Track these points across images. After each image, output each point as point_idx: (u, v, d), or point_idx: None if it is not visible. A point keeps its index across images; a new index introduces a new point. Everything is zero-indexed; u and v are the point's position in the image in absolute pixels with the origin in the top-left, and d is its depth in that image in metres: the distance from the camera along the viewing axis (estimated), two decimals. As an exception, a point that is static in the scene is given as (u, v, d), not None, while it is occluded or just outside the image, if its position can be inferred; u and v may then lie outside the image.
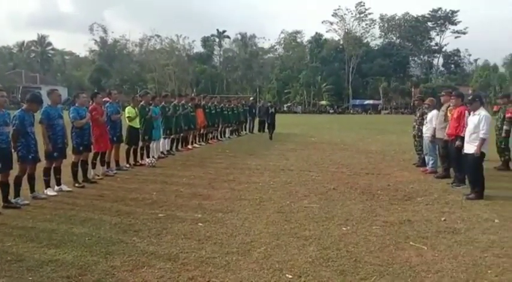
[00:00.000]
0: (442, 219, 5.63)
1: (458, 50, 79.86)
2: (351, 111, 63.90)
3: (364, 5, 74.86)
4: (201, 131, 14.76)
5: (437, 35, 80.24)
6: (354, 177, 8.73)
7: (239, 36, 79.43)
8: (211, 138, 15.75)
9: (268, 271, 3.88)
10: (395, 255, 4.30)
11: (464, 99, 7.79)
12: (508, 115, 9.57)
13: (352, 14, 75.50)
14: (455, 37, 77.99)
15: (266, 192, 7.22)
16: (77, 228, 5.06)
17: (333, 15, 76.48)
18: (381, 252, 4.38)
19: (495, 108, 19.12)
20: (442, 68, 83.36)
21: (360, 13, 75.83)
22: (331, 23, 77.03)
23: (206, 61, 77.50)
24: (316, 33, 78.10)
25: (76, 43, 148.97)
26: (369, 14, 75.76)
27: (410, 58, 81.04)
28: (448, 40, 79.26)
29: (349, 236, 4.89)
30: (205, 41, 79.73)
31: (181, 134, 12.72)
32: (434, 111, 9.13)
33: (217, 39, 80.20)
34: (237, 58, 79.04)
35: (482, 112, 6.73)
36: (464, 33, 77.19)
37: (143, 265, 3.97)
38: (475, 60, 79.14)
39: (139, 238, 4.72)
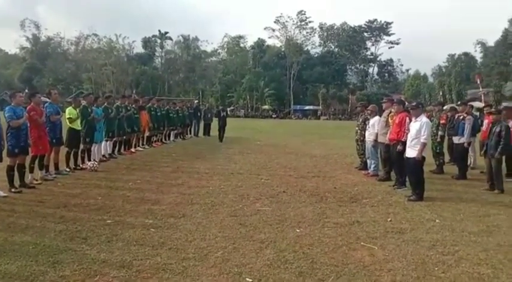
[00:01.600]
0: (388, 219, 5.89)
1: (391, 60, 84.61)
2: (292, 116, 65.23)
3: (305, 14, 76.93)
4: (145, 134, 14.36)
5: (373, 45, 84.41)
6: (301, 180, 8.91)
7: (181, 39, 78.44)
8: (155, 141, 15.35)
9: (228, 275, 3.85)
10: (349, 256, 4.44)
11: (405, 106, 8.24)
12: (442, 121, 10.27)
13: (293, 21, 77.31)
14: (389, 47, 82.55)
15: (217, 196, 7.16)
16: (18, 236, 4.70)
17: (275, 22, 77.87)
18: (335, 253, 4.50)
19: (425, 115, 20.42)
20: (376, 77, 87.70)
21: (301, 21, 77.76)
22: (273, 30, 78.39)
23: (147, 62, 75.55)
24: (259, 38, 79.14)
25: (4, 39, 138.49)
26: (309, 22, 77.99)
27: (348, 66, 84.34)
28: (382, 50, 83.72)
29: (304, 238, 4.97)
30: (146, 42, 77.82)
31: (124, 137, 12.28)
32: (376, 117, 9.57)
33: (158, 41, 78.48)
34: (179, 60, 77.92)
35: (423, 118, 7.16)
36: (397, 44, 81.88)
37: (95, 274, 3.77)
38: (407, 70, 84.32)
39: (88, 245, 4.48)
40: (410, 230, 5.40)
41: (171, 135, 17.20)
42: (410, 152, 7.22)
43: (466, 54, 71.35)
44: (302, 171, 10.02)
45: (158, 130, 15.42)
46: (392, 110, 8.75)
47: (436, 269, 4.10)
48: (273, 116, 64.83)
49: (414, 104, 7.65)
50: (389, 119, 8.75)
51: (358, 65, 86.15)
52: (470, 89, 54.41)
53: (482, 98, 38.46)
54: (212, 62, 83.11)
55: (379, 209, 6.56)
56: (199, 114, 20.76)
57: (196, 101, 25.32)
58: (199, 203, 6.57)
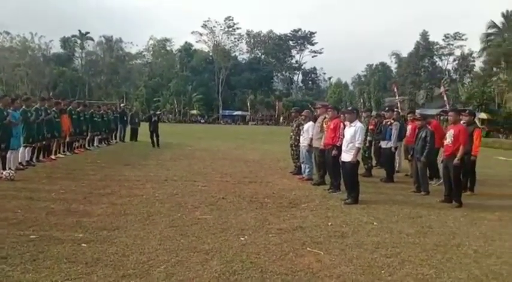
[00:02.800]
0: (329, 224, 5.94)
1: (315, 68, 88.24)
2: (221, 121, 65.10)
3: (232, 20, 77.32)
4: (66, 139, 13.31)
5: (297, 53, 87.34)
6: (239, 186, 8.76)
7: (104, 39, 74.87)
8: (77, 147, 14.30)
9: (174, 292, 3.56)
10: (296, 262, 4.35)
11: (339, 112, 8.45)
12: (370, 127, 10.73)
13: (221, 27, 77.37)
14: (313, 56, 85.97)
15: (152, 205, 6.74)
16: None
17: (202, 27, 77.34)
18: (283, 261, 4.39)
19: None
20: (301, 84, 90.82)
21: (229, 27, 78.04)
22: (201, 34, 77.79)
23: (66, 63, 71.06)
24: (186, 42, 78.17)
25: None
26: (237, 28, 78.58)
27: (274, 73, 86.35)
28: (306, 59, 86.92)
29: (249, 246, 4.80)
30: (65, 42, 73.21)
31: (44, 143, 11.27)
32: (310, 123, 9.73)
33: (79, 41, 74.19)
34: (102, 62, 74.28)
35: (357, 124, 7.38)
36: (320, 53, 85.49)
37: (20, 300, 3.28)
38: (329, 78, 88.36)
39: (10, 266, 3.91)
40: (352, 233, 5.47)
41: (95, 140, 16.16)
42: (346, 156, 7.39)
43: (382, 64, 76.36)
44: (238, 177, 9.88)
45: (81, 135, 14.40)
46: (327, 116, 8.95)
47: (383, 272, 4.15)
48: (202, 121, 64.22)
49: (349, 109, 7.86)
50: (324, 124, 8.93)
51: (284, 72, 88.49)
52: (388, 96, 58.30)
53: (399, 105, 41.24)
54: (137, 65, 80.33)
55: (319, 213, 6.61)
56: (125, 118, 19.81)
57: (122, 105, 24.08)
58: (134, 214, 6.13)
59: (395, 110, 11.58)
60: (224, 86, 73.82)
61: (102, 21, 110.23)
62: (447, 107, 34.65)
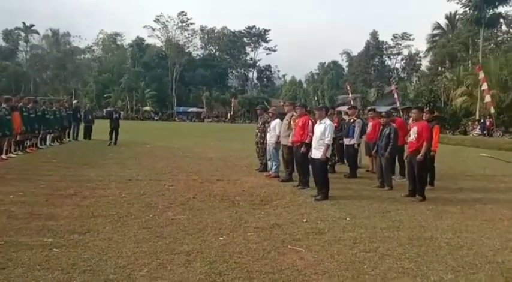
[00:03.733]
0: (304, 220, 5.98)
1: (269, 66, 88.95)
2: (176, 118, 63.97)
3: (186, 15, 76.06)
4: (17, 138, 12.53)
5: (252, 50, 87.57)
6: (207, 184, 8.62)
7: (50, 33, 71.37)
8: (29, 146, 13.52)
9: (162, 297, 3.43)
10: (280, 260, 4.34)
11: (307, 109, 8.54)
12: (334, 124, 10.91)
13: (174, 22, 75.90)
14: (267, 54, 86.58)
15: (121, 206, 6.48)
16: None
17: (155, 21, 75.53)
18: (266, 259, 4.36)
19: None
20: (256, 81, 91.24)
21: (182, 22, 76.70)
22: (154, 29, 75.96)
23: (8, 57, 67.08)
24: (138, 37, 76.11)
25: None
26: (191, 24, 77.41)
27: (229, 70, 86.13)
28: (261, 56, 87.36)
29: (230, 246, 4.73)
30: (8, 35, 69.06)
31: (-6, 142, 10.55)
32: (277, 120, 9.77)
33: (23, 34, 70.22)
34: (48, 56, 70.74)
35: (327, 121, 7.47)
36: (274, 50, 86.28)
37: (-5, 314, 3.02)
38: (283, 76, 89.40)
39: (-24, 277, 3.61)
40: (328, 229, 5.54)
41: (48, 139, 15.35)
42: (316, 153, 7.48)
43: (334, 62, 78.39)
44: (205, 175, 9.74)
45: (32, 133, 13.61)
46: (294, 113, 9.02)
47: (365, 267, 4.23)
48: (155, 118, 62.82)
49: (319, 106, 7.95)
50: (292, 121, 8.99)
51: (238, 69, 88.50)
52: (340, 94, 59.89)
53: (352, 103, 42.49)
54: (86, 60, 77.35)
55: (292, 209, 6.64)
56: (79, 115, 18.94)
57: (75, 101, 23.03)
58: (103, 215, 5.87)
59: (354, 107, 11.87)
60: (178, 82, 72.58)
61: (48, 14, 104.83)
62: (398, 104, 36.18)
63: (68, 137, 17.99)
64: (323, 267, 4.20)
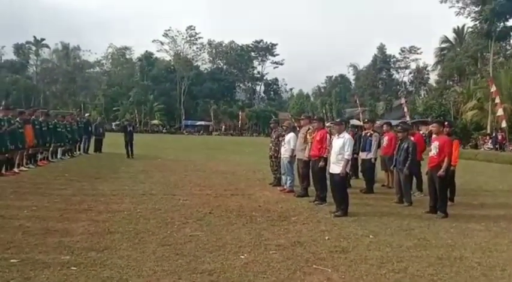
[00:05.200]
0: (326, 238, 5.79)
1: (276, 79, 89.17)
2: (184, 131, 64.09)
3: (194, 29, 76.79)
4: (29, 151, 12.51)
5: (259, 64, 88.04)
6: (222, 199, 8.47)
7: (60, 47, 72.27)
8: (40, 160, 13.49)
9: (189, 320, 3.26)
10: (306, 281, 4.16)
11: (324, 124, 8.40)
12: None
13: (183, 36, 76.62)
14: (274, 67, 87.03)
15: (137, 222, 6.34)
16: None
17: (163, 36, 76.30)
18: (293, 280, 4.19)
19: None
20: (263, 94, 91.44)
21: (191, 36, 77.42)
22: (162, 43, 76.71)
23: (19, 71, 67.91)
24: (147, 51, 76.85)
25: None
26: (199, 38, 78.08)
27: (236, 83, 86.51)
28: (268, 69, 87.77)
29: (253, 265, 4.56)
30: (19, 49, 70.02)
31: (7, 155, 10.51)
32: (292, 134, 9.64)
33: (33, 48, 71.17)
34: (58, 70, 71.54)
35: (346, 135, 7.32)
36: (281, 64, 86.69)
37: None
38: (291, 89, 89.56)
39: (-5, 298, 3.48)
40: (352, 248, 5.34)
41: (59, 152, 15.32)
42: (335, 168, 7.31)
43: (341, 76, 78.47)
44: (219, 189, 9.59)
45: (44, 147, 13.60)
46: (311, 127, 8.89)
47: (397, 288, 4.04)
48: (163, 131, 62.99)
49: (338, 120, 7.81)
50: (308, 135, 8.85)
51: (246, 83, 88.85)
52: (348, 107, 59.75)
53: (361, 116, 42.31)
54: (95, 73, 78.10)
55: (311, 226, 6.46)
56: (90, 128, 18.95)
57: (87, 115, 23.12)
58: (120, 232, 5.73)
59: (372, 121, 11.71)
60: (186, 95, 72.98)
61: (59, 28, 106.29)
62: (407, 117, 35.90)
63: (79, 151, 17.97)
64: (350, 289, 4.01)
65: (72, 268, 4.25)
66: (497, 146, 29.02)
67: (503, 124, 27.71)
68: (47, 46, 71.63)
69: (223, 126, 67.78)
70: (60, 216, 6.47)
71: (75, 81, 71.70)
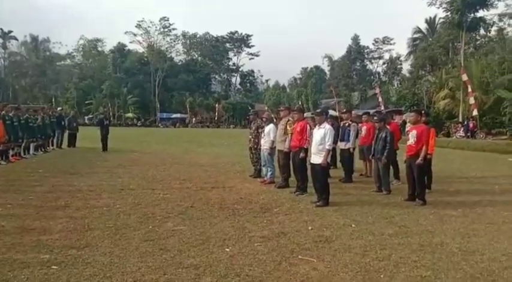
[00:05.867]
0: (309, 228, 5.82)
1: (252, 71, 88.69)
2: (160, 124, 63.20)
3: (168, 20, 75.52)
4: (1, 147, 12.08)
5: (235, 55, 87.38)
6: (202, 192, 8.40)
7: (29, 39, 69.89)
8: (12, 156, 13.05)
9: (177, 316, 3.21)
10: (293, 272, 4.17)
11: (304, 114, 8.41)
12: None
13: (156, 27, 75.25)
14: (250, 59, 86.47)
15: (117, 217, 6.21)
16: None
17: (136, 27, 74.73)
18: (279, 271, 4.18)
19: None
20: (239, 86, 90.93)
21: (164, 28, 76.10)
22: (135, 35, 75.16)
23: (-15, 64, 65.46)
24: (119, 43, 75.23)
25: None
26: (173, 29, 76.86)
27: (212, 75, 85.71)
28: (244, 61, 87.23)
29: (239, 258, 4.53)
30: (-16, 41, 67.42)
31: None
32: (271, 125, 9.62)
33: (0, 40, 68.53)
34: (27, 63, 69.23)
35: (327, 126, 7.35)
36: (257, 55, 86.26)
37: None
38: (267, 81, 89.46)
39: (-27, 302, 3.33)
40: (335, 237, 5.38)
41: (31, 148, 14.85)
42: (316, 159, 7.34)
43: (317, 67, 78.85)
44: (199, 183, 9.50)
45: (16, 142, 13.15)
46: (290, 118, 8.88)
47: (382, 276, 4.09)
48: (138, 124, 61.93)
49: (319, 111, 7.83)
50: (288, 126, 8.85)
51: (221, 74, 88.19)
52: (324, 98, 60.22)
53: (337, 106, 42.72)
54: (66, 66, 75.89)
55: (294, 217, 6.48)
56: (63, 123, 18.42)
57: (59, 108, 22.44)
58: (100, 228, 5.59)
59: (350, 111, 11.81)
60: (161, 88, 71.87)
61: (28, 20, 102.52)
62: (382, 107, 36.44)
63: (52, 146, 17.47)
64: (339, 278, 4.04)
65: (53, 267, 4.13)
66: (468, 134, 29.85)
67: (475, 112, 28.50)
68: (15, 38, 69.18)
69: (200, 119, 67.21)
70: (37, 214, 6.28)
71: (45, 75, 69.61)
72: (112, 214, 6.40)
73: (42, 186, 8.64)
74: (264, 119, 9.99)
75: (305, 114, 12.66)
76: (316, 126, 7.51)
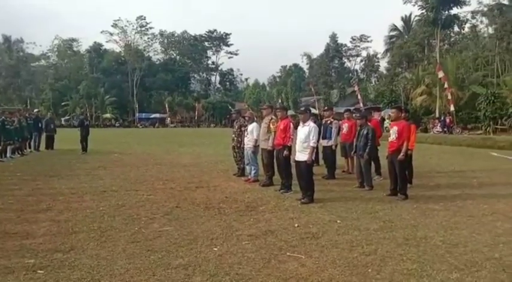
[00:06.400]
0: (295, 225, 5.86)
1: (232, 69, 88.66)
2: (138, 124, 62.43)
3: (145, 19, 74.68)
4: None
5: (214, 54, 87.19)
6: (187, 192, 8.35)
7: (1, 39, 68.06)
8: (-12, 159, 12.71)
9: (169, 317, 3.19)
10: (282, 269, 4.19)
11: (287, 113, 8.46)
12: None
13: (133, 26, 74.33)
14: (229, 57, 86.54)
15: (102, 219, 6.12)
16: None
17: (112, 26, 73.68)
18: (268, 269, 4.20)
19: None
20: (218, 85, 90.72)
21: (141, 27, 75.24)
22: (111, 34, 74.15)
23: (-45, 66, 63.34)
24: (95, 42, 74.06)
25: None
26: (150, 28, 76.07)
27: (191, 74, 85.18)
28: (223, 60, 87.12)
29: (227, 257, 4.53)
30: (-46, 42, 65.21)
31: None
32: (254, 124, 9.65)
33: (-29, 41, 66.61)
34: (0, 64, 67.30)
35: (311, 123, 7.40)
36: (236, 54, 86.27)
37: None
38: (246, 79, 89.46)
39: (-43, 310, 3.24)
40: (322, 233, 5.44)
41: (8, 150, 14.47)
42: (300, 156, 7.39)
43: (295, 65, 79.33)
44: (182, 183, 9.45)
45: (-8, 145, 12.81)
46: (273, 117, 8.92)
47: (370, 270, 4.15)
48: (116, 124, 61.08)
49: (303, 109, 7.88)
50: (271, 125, 8.88)
51: (200, 73, 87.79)
52: (303, 96, 60.58)
53: (316, 104, 43.08)
54: (41, 67, 74.19)
55: (280, 214, 6.51)
56: (40, 125, 18.02)
57: (36, 110, 21.97)
58: (84, 231, 5.50)
59: (331, 108, 11.92)
60: (139, 87, 71.04)
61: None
62: (360, 104, 36.94)
63: (29, 148, 17.10)
64: (328, 273, 4.08)
65: (39, 271, 4.05)
66: (445, 129, 30.55)
67: (451, 108, 29.17)
68: (-14, 39, 67.27)
69: (179, 118, 66.71)
70: (18, 218, 6.14)
71: (19, 76, 67.88)
72: (96, 216, 6.31)
73: (22, 190, 8.45)
74: (246, 118, 9.99)
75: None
76: (300, 124, 7.55)
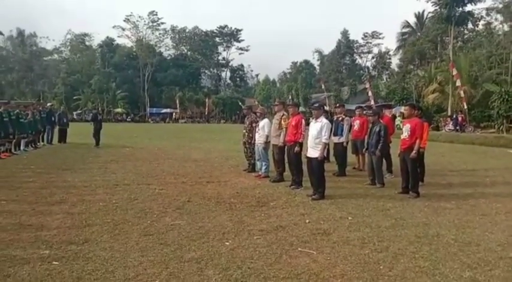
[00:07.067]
0: (307, 221, 5.87)
1: (242, 65, 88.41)
2: (150, 119, 62.80)
3: (156, 14, 74.92)
4: (-10, 144, 11.94)
5: (224, 50, 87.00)
6: (198, 187, 8.41)
7: (15, 33, 68.74)
8: (3, 152, 12.89)
9: (182, 309, 3.23)
10: (294, 264, 4.21)
11: (299, 109, 8.44)
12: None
13: (145, 22, 74.63)
14: (240, 53, 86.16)
15: (114, 213, 6.20)
16: None
17: (125, 21, 74.08)
18: (280, 264, 4.23)
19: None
20: (229, 81, 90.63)
21: (153, 22, 75.52)
22: (123, 29, 74.54)
23: (-29, 59, 64.22)
24: (108, 37, 74.45)
25: None
26: (162, 23, 76.29)
27: (202, 70, 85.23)
28: (233, 55, 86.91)
29: (239, 251, 4.57)
30: (-31, 36, 66.06)
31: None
32: (266, 120, 9.65)
33: (-15, 35, 67.38)
34: (13, 58, 68.10)
35: (323, 119, 7.39)
36: (247, 50, 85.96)
37: None
38: (257, 75, 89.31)
39: (-24, 298, 3.32)
40: (333, 230, 5.45)
41: (22, 144, 14.69)
42: (312, 153, 7.39)
43: (306, 62, 78.87)
44: (193, 177, 9.50)
45: (6, 138, 12.99)
46: (285, 113, 8.92)
47: (381, 267, 4.15)
48: (128, 119, 61.51)
49: (316, 105, 7.86)
50: (282, 121, 8.88)
51: (211, 69, 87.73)
52: (314, 93, 60.35)
53: (327, 101, 42.93)
54: (53, 61, 74.84)
55: (291, 210, 6.53)
56: (53, 119, 18.22)
57: (49, 104, 22.22)
58: (98, 224, 5.58)
59: (343, 105, 11.87)
60: (150, 82, 71.34)
61: (14, 15, 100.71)
62: (372, 101, 36.69)
63: (42, 141, 17.32)
64: (339, 269, 4.09)
65: (54, 263, 4.12)
66: (457, 128, 30.23)
67: (464, 106, 28.83)
68: (1, 33, 67.87)
69: (190, 114, 66.94)
70: (33, 210, 6.23)
71: (32, 70, 68.58)
72: (109, 209, 6.39)
73: (36, 182, 8.57)
74: (258, 114, 10.00)
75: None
76: (313, 120, 7.55)
